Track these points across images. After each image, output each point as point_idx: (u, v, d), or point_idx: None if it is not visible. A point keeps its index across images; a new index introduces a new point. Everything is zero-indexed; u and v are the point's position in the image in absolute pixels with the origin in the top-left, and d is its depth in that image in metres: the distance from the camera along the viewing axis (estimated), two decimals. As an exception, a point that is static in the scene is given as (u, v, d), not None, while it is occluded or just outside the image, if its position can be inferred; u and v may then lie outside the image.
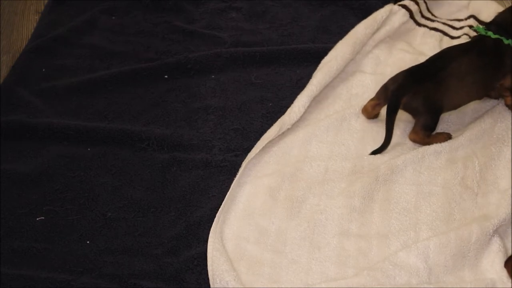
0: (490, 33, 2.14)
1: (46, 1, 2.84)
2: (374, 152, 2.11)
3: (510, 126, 2.16)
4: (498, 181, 2.01)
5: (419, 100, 2.07)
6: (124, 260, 1.89)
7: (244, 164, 2.06)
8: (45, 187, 2.08)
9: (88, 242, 1.94)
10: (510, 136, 2.13)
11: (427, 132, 2.10)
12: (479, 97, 2.20)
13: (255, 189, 2.02)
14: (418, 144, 2.13)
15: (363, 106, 2.21)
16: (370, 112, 2.18)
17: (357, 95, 2.30)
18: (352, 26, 2.61)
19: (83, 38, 2.63)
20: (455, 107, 2.16)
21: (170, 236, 1.94)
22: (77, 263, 1.88)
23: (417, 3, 2.53)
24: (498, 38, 2.13)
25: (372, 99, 2.19)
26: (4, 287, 1.82)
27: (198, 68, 2.47)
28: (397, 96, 2.07)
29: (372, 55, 2.44)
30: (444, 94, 2.08)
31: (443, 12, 2.61)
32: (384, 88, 2.14)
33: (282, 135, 2.16)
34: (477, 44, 2.15)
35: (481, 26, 2.18)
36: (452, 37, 2.51)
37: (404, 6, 2.51)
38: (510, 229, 1.89)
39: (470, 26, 2.47)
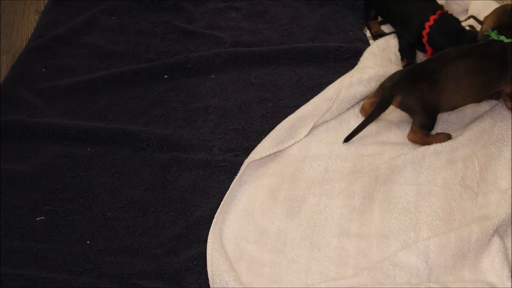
0: (502, 38, 2.13)
1: (46, 1, 2.84)
2: (347, 139, 2.12)
3: (510, 126, 2.16)
4: (498, 181, 2.01)
5: (414, 99, 2.07)
6: (124, 260, 1.89)
7: (246, 163, 2.06)
8: (45, 187, 2.08)
9: (88, 242, 1.94)
10: (510, 136, 2.13)
11: (424, 132, 2.10)
12: (478, 101, 2.19)
13: (255, 189, 2.02)
14: (417, 144, 2.13)
15: (361, 105, 2.21)
16: (368, 110, 2.17)
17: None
18: (352, 25, 2.61)
19: (83, 38, 2.64)
20: (452, 108, 2.16)
21: (170, 236, 1.94)
22: (77, 263, 1.89)
23: None
24: (508, 43, 2.12)
25: (369, 97, 2.19)
26: (4, 287, 1.82)
27: (198, 68, 2.47)
28: (391, 93, 2.08)
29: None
30: (439, 95, 2.08)
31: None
32: (382, 86, 2.15)
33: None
34: (480, 49, 2.13)
35: (493, 31, 2.16)
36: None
37: None
38: (510, 229, 1.89)
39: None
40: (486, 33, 2.17)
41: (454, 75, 2.08)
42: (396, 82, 2.09)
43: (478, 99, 2.17)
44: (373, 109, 2.11)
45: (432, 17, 2.30)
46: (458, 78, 2.08)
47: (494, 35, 2.14)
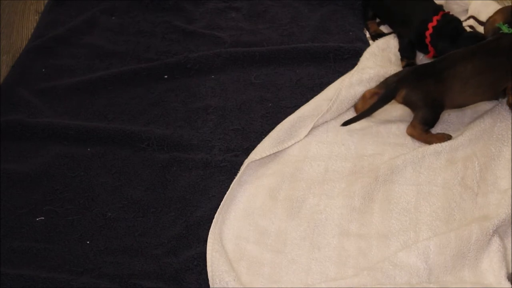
0: None
1: (46, 1, 2.84)
2: (345, 124, 2.14)
3: (510, 126, 2.16)
4: (498, 181, 2.02)
5: (419, 94, 2.08)
6: (124, 260, 1.89)
7: (246, 163, 2.06)
8: (45, 187, 2.08)
9: (88, 242, 1.94)
10: (510, 136, 2.13)
11: (424, 127, 2.10)
12: (488, 99, 2.19)
13: (255, 189, 2.02)
14: (418, 143, 2.13)
15: (361, 95, 2.21)
16: (367, 99, 2.17)
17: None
18: (352, 25, 2.61)
19: (83, 38, 2.64)
20: (459, 106, 2.17)
21: (170, 236, 1.94)
22: (77, 263, 1.89)
23: None
24: None
25: (372, 88, 2.19)
26: (4, 287, 1.82)
27: (198, 68, 2.47)
28: (396, 87, 2.09)
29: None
30: (446, 93, 2.09)
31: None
32: (386, 80, 2.15)
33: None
34: (487, 46, 2.13)
35: (504, 25, 2.16)
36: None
37: None
38: (510, 229, 1.89)
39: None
40: (497, 25, 2.17)
41: (460, 76, 2.08)
42: (402, 77, 2.11)
43: (487, 97, 2.18)
44: (376, 101, 2.11)
45: (435, 18, 2.30)
46: (465, 79, 2.09)
47: (504, 28, 2.15)
